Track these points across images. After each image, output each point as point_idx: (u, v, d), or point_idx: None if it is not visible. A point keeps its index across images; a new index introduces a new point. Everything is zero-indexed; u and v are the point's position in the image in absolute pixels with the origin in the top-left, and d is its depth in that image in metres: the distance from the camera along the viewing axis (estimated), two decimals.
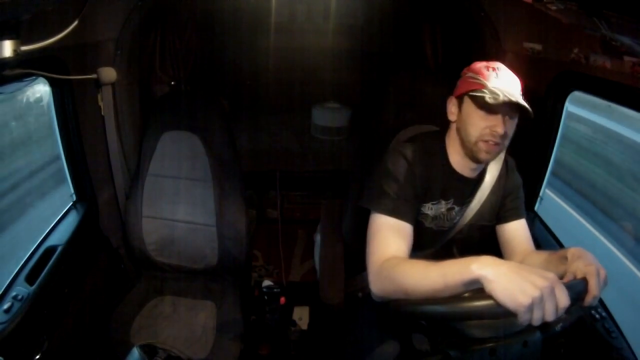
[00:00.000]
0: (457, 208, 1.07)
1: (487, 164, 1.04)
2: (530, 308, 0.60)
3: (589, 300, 0.71)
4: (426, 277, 0.75)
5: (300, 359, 1.72)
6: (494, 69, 0.95)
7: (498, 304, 0.62)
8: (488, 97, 0.90)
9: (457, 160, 1.03)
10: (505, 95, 0.89)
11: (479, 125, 0.94)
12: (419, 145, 1.06)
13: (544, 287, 0.61)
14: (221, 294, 1.49)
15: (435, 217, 1.07)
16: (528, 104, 0.90)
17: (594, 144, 2.84)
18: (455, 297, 0.70)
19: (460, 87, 1.00)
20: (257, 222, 2.40)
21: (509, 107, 0.91)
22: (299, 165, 2.40)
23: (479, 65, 0.97)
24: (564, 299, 0.62)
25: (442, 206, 1.06)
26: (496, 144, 0.94)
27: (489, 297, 0.64)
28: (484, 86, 0.92)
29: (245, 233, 1.53)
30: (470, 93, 0.95)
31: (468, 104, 0.97)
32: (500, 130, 0.92)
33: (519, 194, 1.10)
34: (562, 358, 1.02)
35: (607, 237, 2.21)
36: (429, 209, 1.05)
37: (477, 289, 0.67)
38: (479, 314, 0.67)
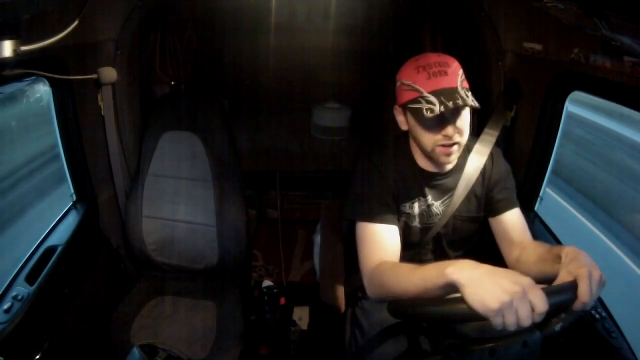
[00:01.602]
0: (436, 203, 1.06)
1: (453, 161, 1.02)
2: (500, 312, 0.60)
3: (577, 306, 0.67)
4: (409, 281, 0.76)
5: (300, 359, 1.72)
6: (423, 67, 0.90)
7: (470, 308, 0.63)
8: (425, 110, 0.87)
9: (424, 161, 1.03)
10: (442, 103, 0.86)
11: (429, 135, 0.93)
12: (387, 149, 1.06)
13: (515, 292, 0.61)
14: (221, 294, 1.49)
15: (418, 216, 1.06)
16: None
17: None
18: (453, 299, 0.71)
19: (399, 96, 0.97)
20: (257, 222, 2.41)
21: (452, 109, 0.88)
22: (299, 165, 2.40)
23: (409, 67, 0.93)
24: (540, 303, 0.61)
25: (422, 204, 1.06)
26: (454, 144, 0.93)
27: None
28: (419, 94, 0.89)
29: (245, 233, 1.53)
30: (409, 105, 0.93)
31: (410, 117, 0.96)
32: (451, 132, 0.91)
33: (508, 184, 1.07)
34: (562, 358, 1.01)
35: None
36: (410, 209, 1.05)
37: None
38: (457, 318, 0.68)
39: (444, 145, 0.93)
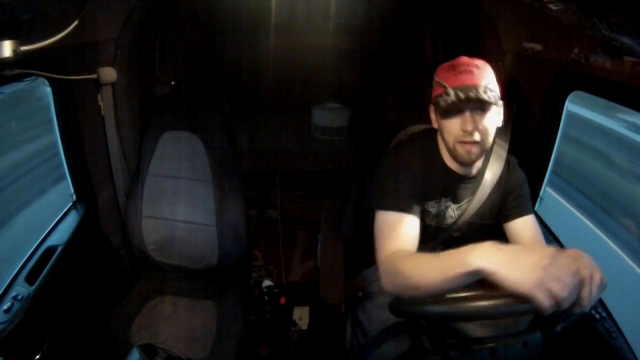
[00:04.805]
0: (454, 206, 1.07)
1: (474, 162, 1.02)
2: (541, 286, 0.59)
3: (576, 309, 0.66)
4: (429, 270, 0.74)
5: (300, 359, 1.72)
6: (453, 67, 0.95)
7: (513, 302, 0.62)
8: (442, 102, 0.92)
9: (451, 161, 1.04)
10: (457, 94, 0.89)
11: (451, 129, 0.95)
12: (416, 145, 1.06)
13: (545, 264, 0.61)
14: (221, 294, 1.49)
15: (436, 215, 1.07)
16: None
17: None
18: (456, 297, 0.71)
19: (432, 94, 1.00)
20: (257, 222, 2.41)
21: (472, 103, 0.91)
22: (299, 166, 2.40)
23: (443, 67, 0.98)
24: (570, 264, 0.61)
25: (442, 204, 1.06)
26: (473, 142, 0.94)
27: (500, 296, 0.64)
28: (444, 89, 0.93)
29: (245, 233, 1.53)
30: (434, 100, 0.97)
31: (435, 111, 1.00)
32: (468, 127, 0.92)
33: (522, 191, 1.09)
34: (562, 358, 1.02)
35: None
36: (432, 207, 1.06)
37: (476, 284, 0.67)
38: (493, 314, 0.66)
39: (464, 142, 0.95)
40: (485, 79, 0.93)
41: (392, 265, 0.84)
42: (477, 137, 0.93)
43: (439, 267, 0.72)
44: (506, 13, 1.39)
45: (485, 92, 0.90)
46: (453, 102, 0.91)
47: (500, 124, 0.99)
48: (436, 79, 0.98)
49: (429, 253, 0.81)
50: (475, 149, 0.95)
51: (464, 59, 0.97)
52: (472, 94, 0.89)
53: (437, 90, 0.96)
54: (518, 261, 0.62)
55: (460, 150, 0.96)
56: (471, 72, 0.93)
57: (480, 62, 0.96)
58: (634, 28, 0.74)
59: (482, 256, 0.66)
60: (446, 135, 0.97)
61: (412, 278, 0.77)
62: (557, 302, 0.60)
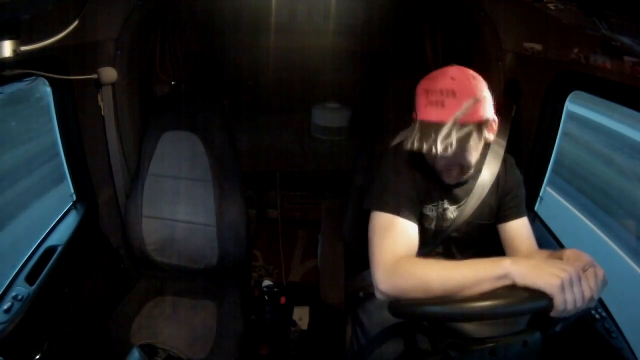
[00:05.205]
0: (451, 208, 1.07)
1: (461, 180, 1.03)
2: (562, 288, 0.66)
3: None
4: (456, 272, 0.76)
5: (300, 359, 1.72)
6: (427, 92, 0.86)
7: (529, 298, 0.67)
8: (409, 146, 0.86)
9: None
10: (420, 140, 0.84)
11: (426, 156, 0.95)
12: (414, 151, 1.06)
13: (570, 270, 0.67)
14: (221, 294, 1.49)
15: (434, 218, 1.07)
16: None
17: None
18: (455, 299, 0.71)
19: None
20: (257, 222, 2.41)
21: None
22: (299, 165, 2.41)
23: (422, 84, 0.89)
24: (592, 280, 0.69)
25: (440, 207, 1.06)
26: (453, 170, 0.96)
27: (511, 294, 0.68)
28: (416, 117, 0.88)
29: (245, 233, 1.53)
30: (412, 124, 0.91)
31: None
32: (439, 167, 0.95)
33: (519, 192, 1.09)
34: (562, 358, 1.02)
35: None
36: (430, 210, 1.06)
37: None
38: (493, 314, 0.69)
39: (441, 170, 0.97)
40: (459, 110, 0.84)
41: (402, 267, 0.83)
42: (453, 167, 0.95)
43: (469, 269, 0.75)
44: (506, 13, 1.38)
45: (448, 135, 0.82)
46: (408, 148, 0.86)
47: (492, 138, 0.95)
48: (417, 90, 0.91)
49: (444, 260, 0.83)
50: (455, 173, 0.97)
51: (444, 80, 0.86)
52: (427, 144, 0.83)
53: (415, 113, 0.90)
54: (544, 266, 0.69)
55: (442, 173, 0.98)
56: (442, 104, 0.84)
57: (461, 85, 0.85)
58: (634, 28, 0.74)
59: (514, 263, 0.72)
60: (431, 164, 0.98)
61: (432, 279, 0.77)
62: (567, 310, 0.67)
